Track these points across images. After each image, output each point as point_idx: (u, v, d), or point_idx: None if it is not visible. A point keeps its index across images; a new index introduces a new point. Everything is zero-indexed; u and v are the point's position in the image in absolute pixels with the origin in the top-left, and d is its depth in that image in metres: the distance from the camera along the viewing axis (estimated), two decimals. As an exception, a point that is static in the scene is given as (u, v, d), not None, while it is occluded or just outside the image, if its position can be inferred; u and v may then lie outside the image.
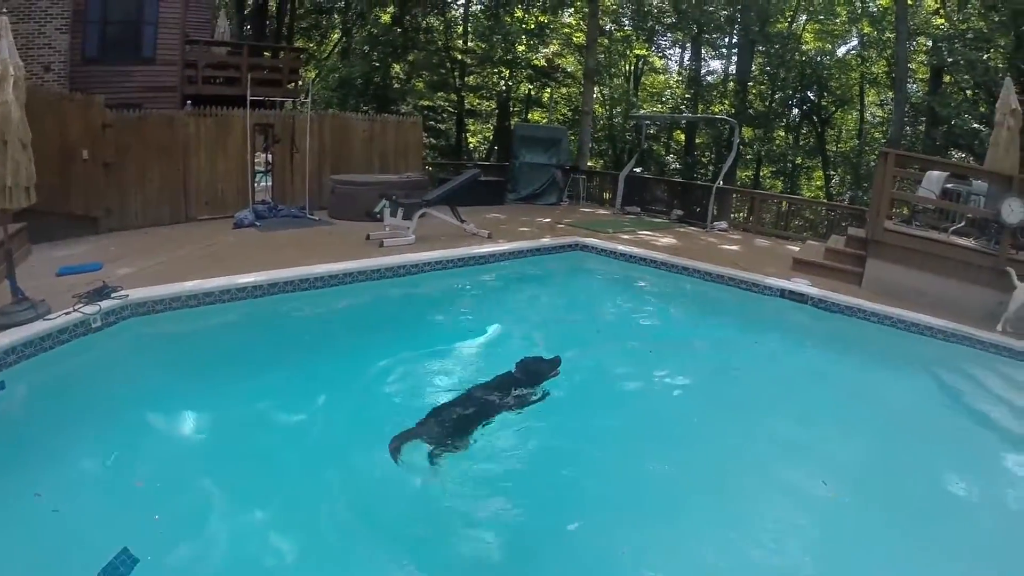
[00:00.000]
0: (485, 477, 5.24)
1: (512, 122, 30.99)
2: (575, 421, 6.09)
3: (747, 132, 32.05)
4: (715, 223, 16.91)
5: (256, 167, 14.93)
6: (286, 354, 6.99)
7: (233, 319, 7.43)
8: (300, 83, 20.17)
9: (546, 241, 11.84)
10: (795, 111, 35.70)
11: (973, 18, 27.82)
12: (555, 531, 4.73)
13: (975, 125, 23.88)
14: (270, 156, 15.24)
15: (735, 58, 34.16)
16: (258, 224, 12.52)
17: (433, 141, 31.58)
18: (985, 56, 25.51)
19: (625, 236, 13.50)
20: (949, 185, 12.21)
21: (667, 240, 13.90)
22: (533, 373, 6.46)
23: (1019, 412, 7.39)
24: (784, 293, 9.78)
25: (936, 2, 30.47)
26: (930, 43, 29.01)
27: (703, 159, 33.56)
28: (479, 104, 34.31)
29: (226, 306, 7.48)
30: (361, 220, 12.21)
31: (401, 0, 29.19)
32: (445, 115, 32.95)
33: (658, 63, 38.14)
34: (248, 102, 13.51)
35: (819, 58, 33.55)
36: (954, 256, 10.49)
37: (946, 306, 9.93)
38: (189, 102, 15.17)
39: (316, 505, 4.65)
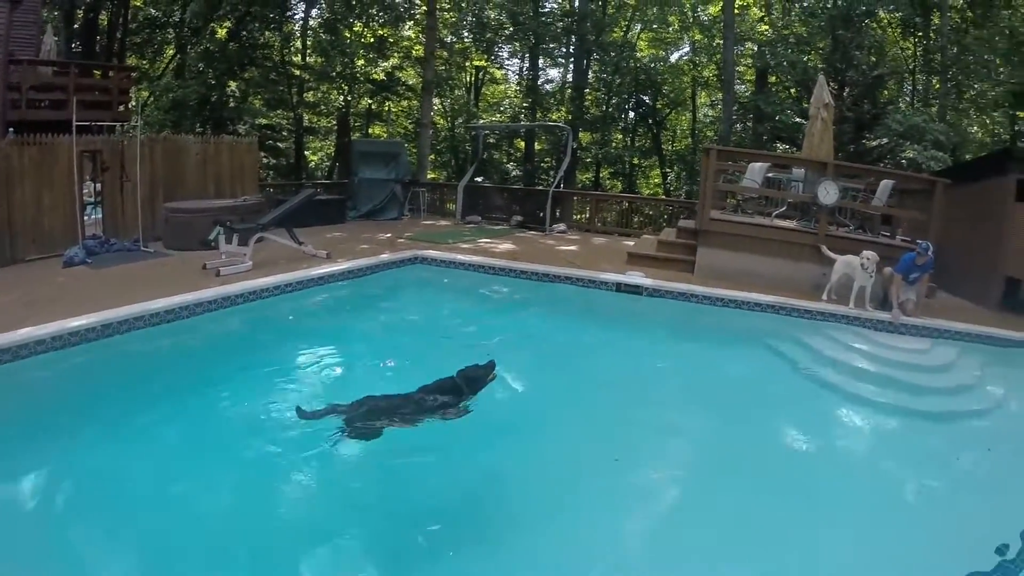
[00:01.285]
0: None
1: (354, 137, 30.55)
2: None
3: (585, 136, 33.14)
4: (554, 225, 17.55)
5: (85, 198, 13.99)
6: (128, 397, 6.58)
7: (70, 366, 6.98)
8: (131, 105, 19.33)
9: (385, 257, 11.80)
10: (631, 114, 37.29)
11: (796, 24, 30.53)
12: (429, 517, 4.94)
13: (797, 119, 25.71)
14: (99, 186, 14.35)
15: (572, 66, 35.01)
16: (89, 261, 11.73)
17: (273, 161, 30.88)
18: (805, 58, 27.95)
19: (464, 245, 13.72)
20: (770, 174, 13.32)
21: (506, 246, 14.23)
22: (472, 380, 6.63)
23: (846, 368, 8.20)
24: (620, 286, 10.28)
25: (761, 11, 33.26)
26: (756, 47, 31.30)
27: (543, 165, 34.29)
28: (318, 121, 33.78)
29: (61, 353, 7.05)
30: (198, 249, 11.62)
31: (238, 14, 28.34)
32: (285, 133, 32.14)
33: (498, 74, 38.81)
34: (74, 127, 12.67)
35: (653, 64, 35.22)
36: (778, 237, 11.49)
37: (777, 283, 10.90)
38: (11, 129, 14.20)
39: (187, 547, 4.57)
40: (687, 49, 37.11)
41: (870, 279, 9.72)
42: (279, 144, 31.62)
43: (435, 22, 26.60)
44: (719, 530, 4.85)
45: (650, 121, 36.71)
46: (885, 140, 23.22)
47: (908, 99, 30.98)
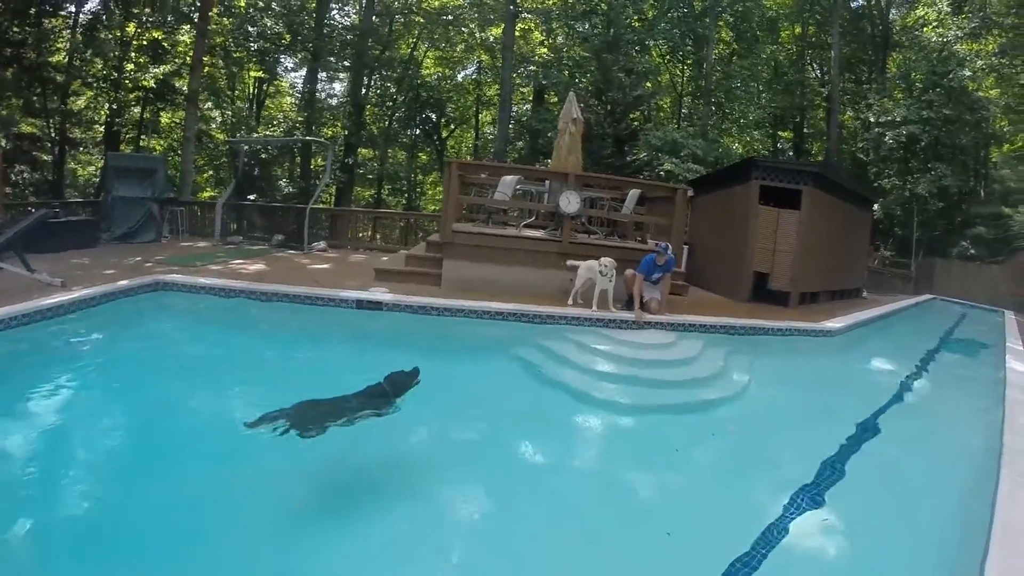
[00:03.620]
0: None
1: (126, 151, 28.40)
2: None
3: (365, 153, 32.96)
4: (313, 244, 17.27)
5: None
6: None
7: None
8: None
9: (123, 283, 10.67)
10: (417, 131, 37.62)
11: (573, 47, 32.32)
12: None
13: (565, 136, 26.94)
14: None
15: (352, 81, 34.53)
16: None
17: (36, 176, 28.04)
18: (578, 80, 29.53)
19: (214, 267, 12.90)
20: (519, 187, 13.63)
21: (257, 266, 13.61)
22: (399, 384, 6.93)
23: (589, 370, 8.25)
24: (361, 303, 10.02)
25: (542, 35, 34.54)
26: (535, 68, 32.44)
27: (319, 182, 33.37)
28: (84, 132, 30.34)
29: None
30: (-70, 276, 10.13)
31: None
32: (49, 144, 28.93)
33: (284, 86, 37.80)
34: None
35: (440, 83, 35.83)
36: (524, 247, 11.73)
37: (525, 291, 11.17)
38: None
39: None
40: (473, 69, 37.78)
41: (610, 282, 10.12)
42: (43, 156, 28.57)
43: (205, 28, 25.29)
44: (465, 540, 4.75)
45: (434, 138, 37.01)
46: (643, 154, 24.57)
47: (676, 118, 33.10)
